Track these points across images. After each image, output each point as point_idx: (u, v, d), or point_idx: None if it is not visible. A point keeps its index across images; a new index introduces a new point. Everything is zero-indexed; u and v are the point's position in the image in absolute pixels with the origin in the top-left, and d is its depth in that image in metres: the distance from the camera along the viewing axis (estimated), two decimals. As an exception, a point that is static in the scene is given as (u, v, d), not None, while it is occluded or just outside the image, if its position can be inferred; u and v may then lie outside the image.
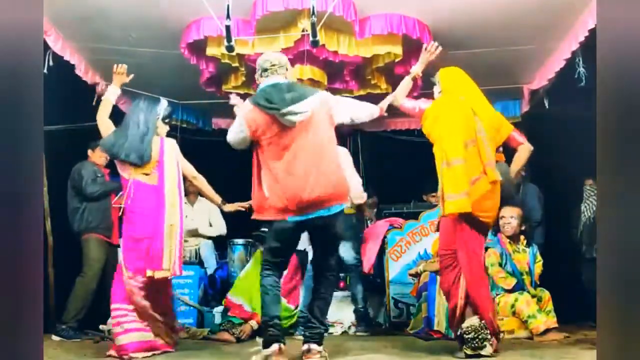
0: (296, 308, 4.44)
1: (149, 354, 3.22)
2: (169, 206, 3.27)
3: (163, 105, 3.57)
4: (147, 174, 3.36)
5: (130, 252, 3.26)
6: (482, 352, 2.89)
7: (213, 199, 3.72)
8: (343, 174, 3.05)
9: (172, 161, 3.40)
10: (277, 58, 3.15)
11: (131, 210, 3.31)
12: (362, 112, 3.25)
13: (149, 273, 3.19)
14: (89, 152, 4.61)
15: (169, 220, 3.25)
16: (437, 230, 3.69)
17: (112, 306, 3.28)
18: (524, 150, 3.31)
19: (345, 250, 4.49)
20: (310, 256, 3.71)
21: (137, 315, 3.24)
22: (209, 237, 5.58)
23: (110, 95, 3.62)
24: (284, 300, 4.41)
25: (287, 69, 3.14)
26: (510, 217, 4.16)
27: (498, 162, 3.26)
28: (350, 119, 3.15)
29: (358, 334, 4.47)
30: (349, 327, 4.60)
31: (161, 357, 3.18)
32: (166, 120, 3.59)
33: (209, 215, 5.63)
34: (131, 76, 3.69)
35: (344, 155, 4.59)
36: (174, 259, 3.24)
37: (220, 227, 5.59)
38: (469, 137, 3.11)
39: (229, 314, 4.25)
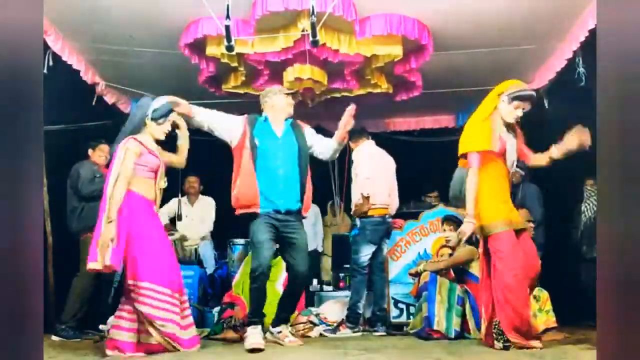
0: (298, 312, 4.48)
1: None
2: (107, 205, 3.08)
3: (152, 105, 3.39)
4: None
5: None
6: None
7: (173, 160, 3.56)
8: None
9: (116, 164, 3.16)
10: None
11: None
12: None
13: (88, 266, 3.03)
14: (90, 151, 4.61)
15: (108, 217, 3.05)
16: None
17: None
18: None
19: (356, 251, 4.51)
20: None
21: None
22: (202, 238, 5.58)
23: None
24: None
25: (265, 101, 3.73)
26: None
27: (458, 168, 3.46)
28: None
29: (346, 334, 4.39)
30: (337, 327, 4.50)
31: (161, 357, 3.18)
32: (160, 120, 3.37)
33: (205, 214, 5.65)
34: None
35: (386, 164, 4.64)
36: (106, 254, 2.99)
37: (205, 226, 5.62)
38: None
39: (227, 311, 4.29)
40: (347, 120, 3.58)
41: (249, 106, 5.57)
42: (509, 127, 3.37)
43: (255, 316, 3.53)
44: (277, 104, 3.67)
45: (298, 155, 3.61)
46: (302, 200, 3.61)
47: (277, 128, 3.66)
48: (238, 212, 3.53)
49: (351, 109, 3.57)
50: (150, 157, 3.31)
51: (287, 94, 3.74)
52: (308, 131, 3.79)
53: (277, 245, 3.66)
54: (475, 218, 3.29)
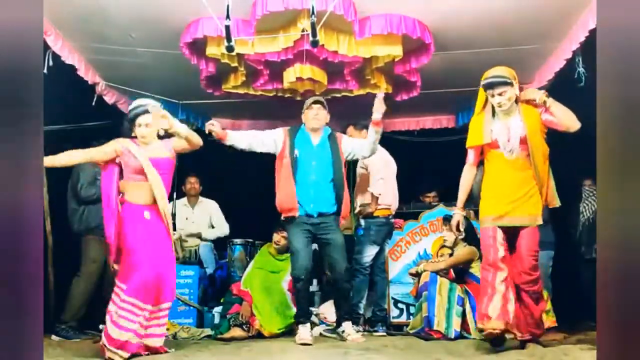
0: None
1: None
2: None
3: (130, 108, 3.44)
4: None
5: None
6: None
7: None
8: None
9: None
10: None
11: None
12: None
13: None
14: (90, 152, 4.60)
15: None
16: None
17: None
18: None
19: (360, 251, 4.51)
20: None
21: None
22: (212, 240, 5.58)
23: None
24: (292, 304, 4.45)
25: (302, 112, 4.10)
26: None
27: None
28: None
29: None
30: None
31: (161, 357, 3.18)
32: (136, 122, 3.34)
33: (210, 217, 5.63)
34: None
35: (390, 164, 4.66)
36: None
37: (222, 228, 5.60)
38: None
39: (234, 306, 4.32)
40: (378, 106, 3.84)
41: (250, 106, 5.60)
42: (511, 111, 3.28)
43: (302, 316, 3.91)
44: (305, 117, 4.07)
45: (332, 164, 3.95)
46: (339, 206, 3.93)
47: (314, 137, 4.05)
48: (283, 216, 3.94)
49: (381, 95, 3.88)
50: (131, 158, 3.29)
51: (309, 105, 4.03)
52: (345, 140, 4.12)
53: (315, 247, 4.02)
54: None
